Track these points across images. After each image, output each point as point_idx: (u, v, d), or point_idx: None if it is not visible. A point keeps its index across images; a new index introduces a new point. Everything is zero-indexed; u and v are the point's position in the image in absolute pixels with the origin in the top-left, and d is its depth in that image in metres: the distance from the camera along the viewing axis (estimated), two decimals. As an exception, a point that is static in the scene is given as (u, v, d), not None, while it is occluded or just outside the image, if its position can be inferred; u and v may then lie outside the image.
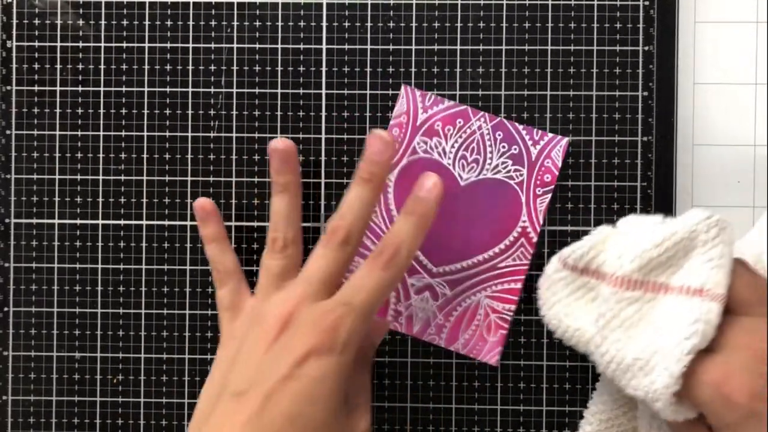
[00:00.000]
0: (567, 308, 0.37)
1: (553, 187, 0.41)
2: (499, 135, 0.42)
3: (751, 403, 0.31)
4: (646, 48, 0.42)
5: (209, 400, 0.35)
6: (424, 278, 0.42)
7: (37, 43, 0.43)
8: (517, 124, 0.41)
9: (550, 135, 0.41)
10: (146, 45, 0.43)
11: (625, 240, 0.36)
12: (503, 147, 0.42)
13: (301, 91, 0.42)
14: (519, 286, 0.41)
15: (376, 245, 0.37)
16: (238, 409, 0.33)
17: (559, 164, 0.41)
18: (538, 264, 0.41)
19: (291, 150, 0.40)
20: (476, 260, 0.42)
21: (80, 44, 0.43)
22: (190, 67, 0.43)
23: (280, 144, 0.40)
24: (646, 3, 0.42)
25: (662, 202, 0.42)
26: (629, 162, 0.42)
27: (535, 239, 0.41)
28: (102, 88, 0.43)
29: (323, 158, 0.42)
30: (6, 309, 0.43)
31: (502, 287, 0.42)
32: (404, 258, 0.36)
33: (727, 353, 0.32)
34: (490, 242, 0.41)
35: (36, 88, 0.43)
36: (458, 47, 0.42)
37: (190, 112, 0.43)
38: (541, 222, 0.41)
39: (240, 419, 0.33)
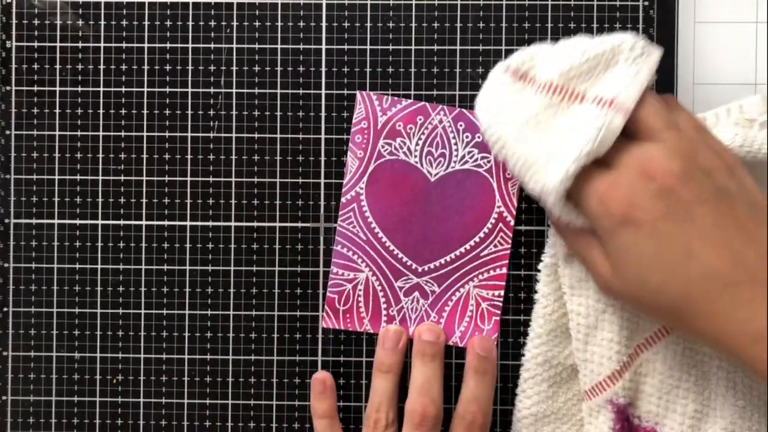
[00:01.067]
0: (500, 106, 0.38)
1: None
2: (461, 125, 0.42)
3: (626, 210, 0.33)
4: (646, 48, 0.42)
5: None
6: (411, 279, 0.42)
7: (37, 43, 0.43)
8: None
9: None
10: (146, 45, 0.43)
11: (560, 50, 0.37)
12: (467, 137, 0.42)
13: (301, 91, 0.42)
14: (504, 271, 0.42)
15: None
16: None
17: None
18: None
19: (400, 332, 0.41)
20: (458, 252, 0.42)
21: (80, 44, 0.43)
22: (190, 67, 0.43)
23: (391, 329, 0.41)
24: (646, 3, 0.42)
25: (662, 202, 0.42)
26: (629, 162, 0.42)
27: (512, 222, 0.41)
28: (102, 88, 0.43)
29: (323, 158, 0.42)
30: (6, 309, 0.43)
31: (488, 275, 0.42)
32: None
33: (618, 170, 0.34)
34: (469, 233, 0.41)
35: (36, 88, 0.43)
36: (458, 47, 0.42)
37: (190, 112, 0.43)
38: (516, 204, 0.41)
39: None
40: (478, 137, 0.41)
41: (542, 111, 0.36)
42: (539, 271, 0.40)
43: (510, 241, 0.42)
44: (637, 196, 0.33)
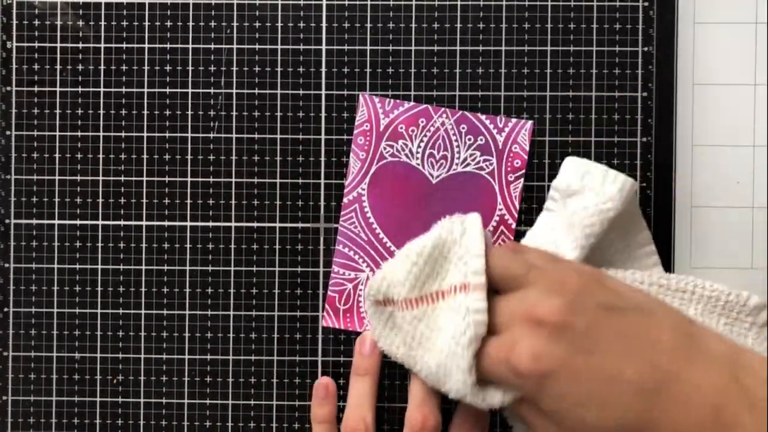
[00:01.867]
0: (387, 339, 0.38)
1: (524, 171, 0.42)
2: (464, 128, 0.42)
3: (536, 366, 0.32)
4: (646, 49, 0.42)
5: None
6: None
7: (37, 44, 0.43)
8: (479, 114, 0.41)
9: (514, 120, 0.42)
10: (146, 45, 0.43)
11: (397, 264, 0.37)
12: (469, 139, 0.42)
13: (301, 91, 0.42)
14: None
15: None
16: None
17: (527, 148, 0.42)
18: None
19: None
20: None
21: (80, 45, 0.43)
22: (190, 68, 0.43)
23: (367, 334, 0.41)
24: (646, 4, 0.42)
25: (662, 202, 0.42)
26: (629, 163, 0.42)
27: (513, 225, 0.42)
28: (102, 89, 0.43)
29: (323, 158, 0.42)
30: (6, 309, 0.43)
31: None
32: None
33: (506, 330, 0.34)
34: None
35: (36, 88, 0.43)
36: (458, 47, 0.42)
37: (190, 112, 0.43)
38: (517, 206, 0.41)
39: None
40: (481, 140, 0.42)
41: (417, 326, 0.36)
42: None
43: None
44: (538, 347, 0.32)
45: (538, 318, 0.33)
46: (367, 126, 0.42)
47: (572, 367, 0.32)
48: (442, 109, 0.42)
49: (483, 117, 0.41)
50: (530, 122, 0.42)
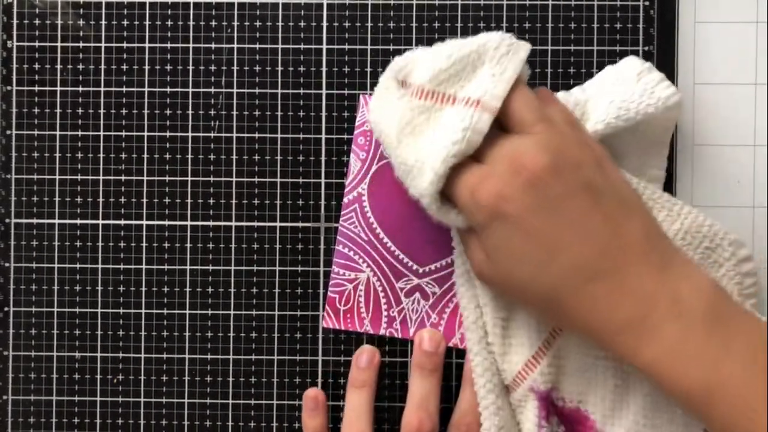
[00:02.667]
0: (383, 113, 0.38)
1: None
2: None
3: (496, 202, 0.33)
4: (646, 48, 0.42)
5: None
6: (412, 280, 0.42)
7: (37, 43, 0.43)
8: None
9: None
10: (146, 45, 0.43)
11: (432, 54, 0.37)
12: None
13: (301, 91, 0.42)
14: None
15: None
16: None
17: None
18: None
19: (374, 350, 0.42)
20: None
21: (80, 44, 0.43)
22: (190, 67, 0.43)
23: (365, 347, 0.42)
24: (646, 3, 0.42)
25: (662, 202, 0.42)
26: (629, 162, 0.42)
27: None
28: (102, 88, 0.43)
29: (323, 158, 0.42)
30: (6, 309, 0.43)
31: None
32: None
33: (489, 164, 0.35)
34: None
35: (36, 88, 0.43)
36: (458, 47, 0.42)
37: (190, 112, 0.43)
38: None
39: None
40: None
41: (417, 116, 0.37)
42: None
43: None
44: (507, 188, 0.33)
45: (520, 165, 0.33)
46: (367, 126, 0.42)
47: (526, 221, 0.33)
48: None
49: None
50: None
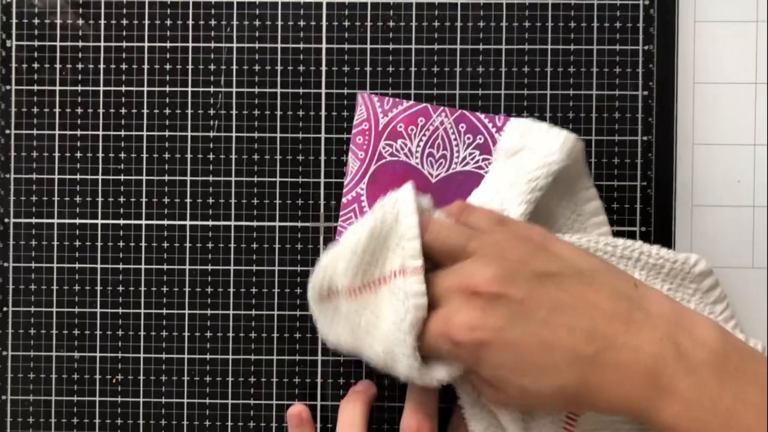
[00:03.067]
0: (334, 332, 0.37)
1: None
2: (462, 127, 0.41)
3: (471, 336, 0.33)
4: (646, 47, 0.42)
5: None
6: None
7: (37, 43, 0.43)
8: (478, 113, 0.41)
9: (512, 119, 0.41)
10: (146, 45, 0.43)
11: (337, 255, 0.37)
12: (468, 138, 0.41)
13: (301, 90, 0.42)
14: None
15: None
16: None
17: None
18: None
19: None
20: None
21: (80, 44, 0.43)
22: (190, 67, 0.43)
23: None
24: (646, 3, 0.42)
25: (662, 201, 0.42)
26: (629, 161, 0.42)
27: None
28: (102, 88, 0.43)
29: (323, 158, 0.42)
30: (5, 309, 0.43)
31: None
32: None
33: (445, 303, 0.34)
34: None
35: (36, 87, 0.43)
36: (458, 47, 0.42)
37: (190, 112, 0.43)
38: None
39: None
40: (480, 139, 0.41)
41: (362, 314, 0.36)
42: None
43: None
44: (473, 317, 0.33)
45: (473, 289, 0.33)
46: (365, 125, 0.42)
47: (507, 337, 0.32)
48: (441, 108, 0.42)
49: (482, 116, 0.41)
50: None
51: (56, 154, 0.43)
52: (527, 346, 0.33)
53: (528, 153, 0.38)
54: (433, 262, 0.35)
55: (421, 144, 0.42)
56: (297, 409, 0.41)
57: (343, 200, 0.42)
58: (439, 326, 0.34)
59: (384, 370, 0.36)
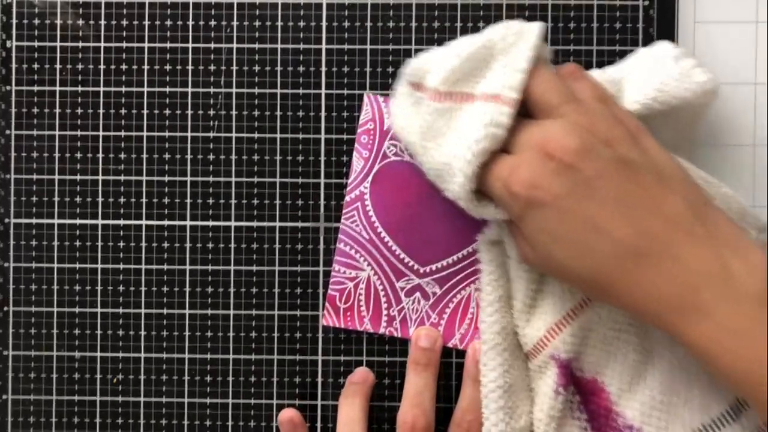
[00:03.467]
0: (405, 121, 0.38)
1: None
2: None
3: (528, 192, 0.33)
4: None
5: None
6: (413, 279, 0.42)
7: (37, 43, 0.43)
8: None
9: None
10: (146, 45, 0.43)
11: (441, 54, 0.37)
12: None
13: (301, 91, 0.42)
14: None
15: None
16: None
17: None
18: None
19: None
20: (462, 254, 0.42)
21: (80, 44, 0.43)
22: (190, 67, 0.43)
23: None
24: (646, 3, 0.42)
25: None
26: (629, 162, 0.42)
27: None
28: (102, 88, 0.43)
29: (323, 158, 0.42)
30: (6, 309, 0.43)
31: None
32: None
33: (519, 153, 0.34)
34: (473, 235, 0.41)
35: (36, 88, 0.43)
36: (458, 47, 0.42)
37: (189, 112, 0.43)
38: None
39: None
40: None
41: (437, 120, 0.36)
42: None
43: None
44: (538, 176, 0.33)
45: (550, 151, 0.33)
46: (371, 125, 0.42)
47: (562, 205, 0.33)
48: None
49: None
50: None
51: (56, 155, 0.43)
52: (579, 222, 0.32)
53: (673, 63, 0.37)
54: (523, 109, 0.35)
55: None
56: (288, 415, 0.41)
57: (346, 198, 0.42)
58: (503, 170, 0.34)
59: (431, 178, 0.37)
